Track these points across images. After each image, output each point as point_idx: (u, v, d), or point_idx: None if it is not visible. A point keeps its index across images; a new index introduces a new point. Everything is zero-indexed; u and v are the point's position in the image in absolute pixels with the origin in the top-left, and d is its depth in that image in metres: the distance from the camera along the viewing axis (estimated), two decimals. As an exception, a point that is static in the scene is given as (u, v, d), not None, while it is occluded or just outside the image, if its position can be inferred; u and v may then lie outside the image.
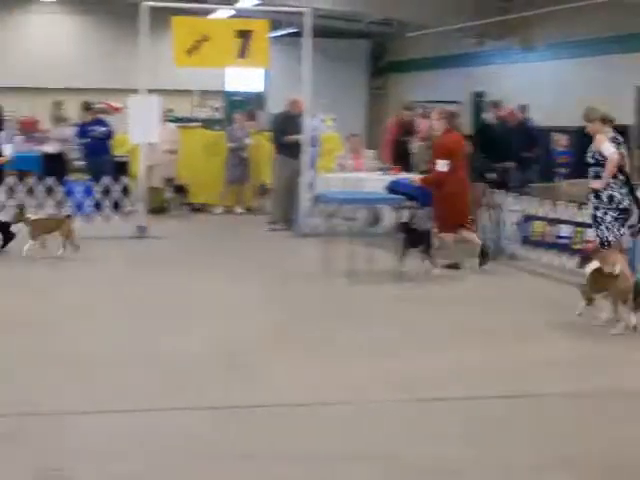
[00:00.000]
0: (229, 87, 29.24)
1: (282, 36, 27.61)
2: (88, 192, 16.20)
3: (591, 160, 10.59)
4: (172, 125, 19.53)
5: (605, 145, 10.41)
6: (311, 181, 16.50)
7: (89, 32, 34.15)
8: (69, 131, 18.47)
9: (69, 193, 16.45)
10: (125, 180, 16.25)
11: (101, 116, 18.38)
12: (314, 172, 16.76)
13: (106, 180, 15.93)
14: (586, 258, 10.08)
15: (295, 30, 26.44)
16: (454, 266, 12.95)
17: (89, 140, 17.76)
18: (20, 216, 13.49)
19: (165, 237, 15.05)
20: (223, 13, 26.36)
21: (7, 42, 33.46)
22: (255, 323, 9.65)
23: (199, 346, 8.59)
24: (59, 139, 18.40)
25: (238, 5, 25.88)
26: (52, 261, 13.01)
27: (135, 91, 16.20)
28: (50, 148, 18.48)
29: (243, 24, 16.42)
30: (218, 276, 12.19)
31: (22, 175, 17.82)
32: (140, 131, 15.43)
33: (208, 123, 22.12)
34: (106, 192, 15.90)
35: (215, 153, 19.57)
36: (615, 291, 9.48)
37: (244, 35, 15.97)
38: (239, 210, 19.32)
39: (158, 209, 18.18)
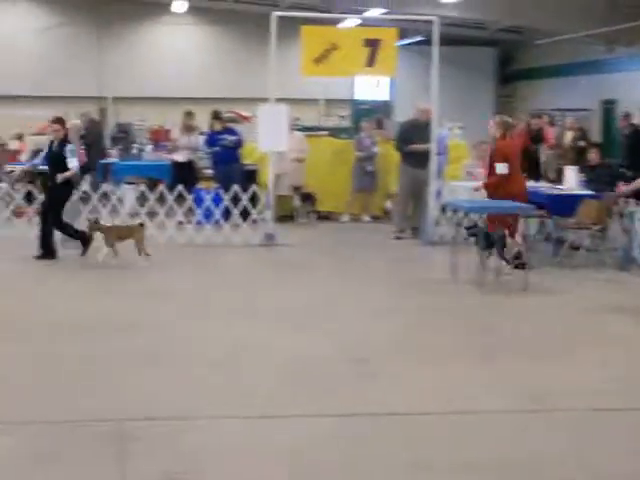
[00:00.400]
0: (357, 96, 29.28)
1: (408, 44, 27.55)
2: (217, 200, 16.40)
3: None
4: (300, 134, 19.63)
5: None
6: (439, 189, 16.40)
7: (219, 42, 34.63)
8: (198, 140, 18.76)
9: (198, 201, 16.70)
10: (254, 188, 16.41)
11: (231, 125, 18.61)
12: (442, 180, 16.66)
13: (235, 188, 16.10)
14: None
15: (421, 38, 26.39)
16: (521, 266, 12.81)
17: (219, 149, 18.01)
18: (94, 226, 13.73)
19: (293, 245, 15.13)
20: (351, 22, 26.43)
21: (139, 53, 34.17)
22: (383, 330, 9.62)
23: (329, 351, 8.59)
24: (189, 148, 18.68)
25: (366, 14, 25.93)
26: (182, 267, 13.21)
27: (264, 100, 16.34)
28: (180, 157, 18.76)
29: (372, 33, 16.42)
30: (345, 283, 12.22)
31: (153, 183, 18.20)
32: (269, 140, 15.55)
33: (335, 132, 22.18)
34: (235, 200, 16.07)
35: (342, 161, 19.60)
36: None
37: (372, 44, 15.97)
38: (366, 218, 19.30)
39: (286, 217, 18.33)
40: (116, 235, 13.58)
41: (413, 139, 16.68)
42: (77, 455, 5.90)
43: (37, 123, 24.19)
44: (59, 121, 14.53)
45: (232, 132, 18.37)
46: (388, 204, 19.03)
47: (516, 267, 12.85)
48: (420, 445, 6.21)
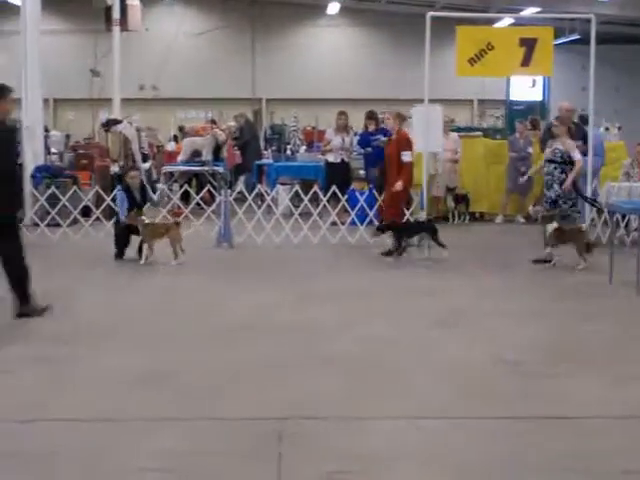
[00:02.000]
0: (512, 96, 28.96)
1: (564, 43, 27.11)
2: (371, 200, 16.45)
3: None
4: (454, 134, 19.54)
5: None
6: (594, 190, 16.08)
7: (372, 43, 34.76)
8: (352, 140, 18.85)
9: (352, 201, 16.79)
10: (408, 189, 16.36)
11: (384, 125, 18.63)
12: (597, 181, 16.34)
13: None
14: None
15: (577, 37, 25.93)
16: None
17: (371, 149, 18.06)
18: (134, 218, 13.74)
19: (445, 246, 15.04)
20: (505, 22, 26.18)
21: (292, 55, 34.55)
22: (537, 332, 9.49)
23: (480, 354, 8.53)
24: (342, 148, 18.79)
25: (522, 13, 25.63)
26: (334, 268, 13.31)
27: (418, 101, 16.30)
28: (333, 157, 18.88)
29: (527, 32, 16.20)
30: (494, 285, 12.16)
31: (306, 184, 18.39)
32: (423, 140, 15.52)
33: (490, 132, 22.00)
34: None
35: (496, 162, 19.45)
36: None
37: (528, 43, 15.76)
38: (520, 220, 19.08)
39: (439, 218, 18.29)
40: (152, 233, 13.64)
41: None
42: (236, 452, 5.99)
43: (194, 125, 24.73)
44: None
45: (385, 132, 18.39)
46: (530, 208, 18.82)
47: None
48: (583, 449, 6.09)
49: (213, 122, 24.36)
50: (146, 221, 13.73)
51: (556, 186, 13.73)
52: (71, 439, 6.20)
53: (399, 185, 14.30)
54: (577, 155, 13.82)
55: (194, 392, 7.26)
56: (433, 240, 14.08)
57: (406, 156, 14.48)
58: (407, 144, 14.72)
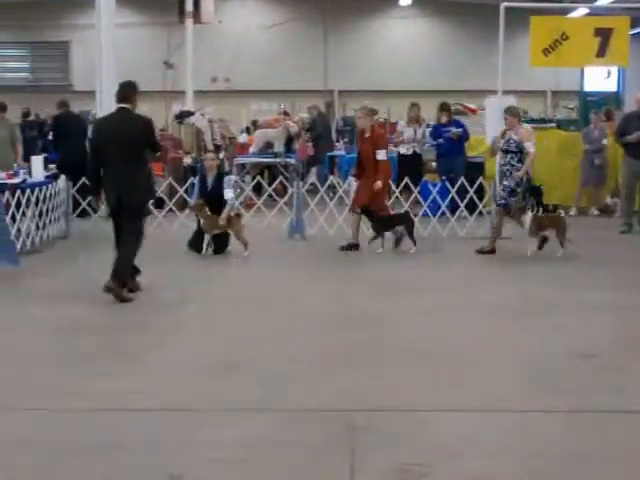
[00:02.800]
0: (586, 87, 28.58)
1: (638, 34, 26.70)
2: (443, 192, 16.39)
3: None
4: (527, 126, 19.32)
5: None
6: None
7: (445, 34, 34.63)
8: (424, 132, 18.77)
9: (424, 193, 16.73)
10: (480, 181, 16.30)
11: (457, 117, 18.55)
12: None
13: (461, 181, 16.04)
14: None
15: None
16: None
17: (443, 141, 17.98)
18: (199, 209, 13.74)
19: (517, 238, 14.91)
20: (580, 11, 25.87)
21: (364, 46, 34.53)
22: (613, 325, 9.39)
23: (558, 347, 8.46)
24: (414, 140, 18.71)
25: (597, 3, 25.30)
26: (408, 260, 13.29)
27: (491, 92, 16.20)
28: (405, 149, 18.81)
29: (603, 21, 16.04)
30: (567, 278, 12.07)
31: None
32: (496, 132, 15.39)
33: (563, 124, 21.77)
34: (461, 193, 16.00)
35: (570, 154, 19.24)
36: None
37: (603, 33, 15.59)
38: (594, 212, 18.86)
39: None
40: (211, 224, 13.62)
41: (632, 130, 16.26)
42: (307, 443, 6.01)
43: (267, 118, 24.79)
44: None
45: (458, 124, 18.32)
46: (608, 200, 18.59)
47: None
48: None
49: (286, 114, 24.41)
50: (207, 212, 13.75)
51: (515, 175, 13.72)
52: (141, 429, 6.27)
53: (378, 184, 13.97)
54: (531, 146, 13.77)
55: (266, 383, 7.29)
56: (407, 233, 13.88)
57: (381, 155, 14.13)
58: (382, 142, 14.44)
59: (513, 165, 13.72)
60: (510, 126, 13.78)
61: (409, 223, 13.98)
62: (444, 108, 18.45)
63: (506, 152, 13.88)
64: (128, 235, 10.40)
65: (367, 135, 14.22)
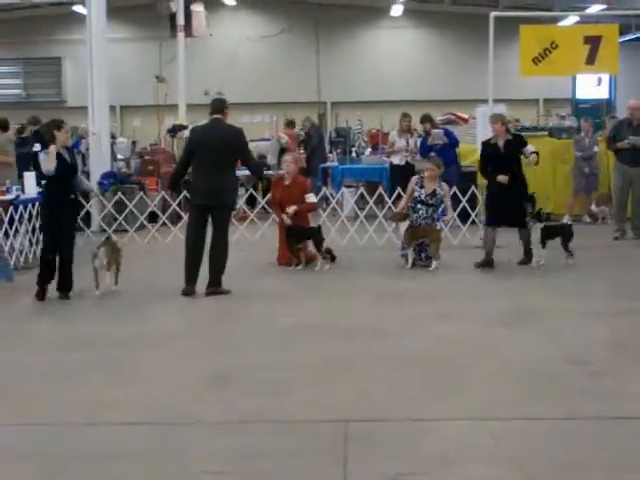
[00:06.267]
0: (578, 94, 28.66)
1: (628, 41, 26.82)
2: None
3: None
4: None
5: None
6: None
7: (435, 44, 34.71)
8: (416, 142, 18.81)
9: (417, 203, 16.73)
10: (473, 189, 16.33)
11: (445, 126, 18.60)
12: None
13: (453, 190, 16.05)
14: None
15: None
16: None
17: (434, 153, 18.00)
18: None
19: (510, 246, 14.94)
20: (569, 20, 25.96)
21: (356, 57, 34.58)
22: (606, 332, 9.42)
23: (550, 354, 8.47)
24: (406, 150, 18.76)
25: (588, 10, 25.38)
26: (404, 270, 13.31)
27: (482, 101, 16.26)
28: (397, 159, 18.86)
29: (592, 30, 16.12)
30: (561, 286, 12.10)
31: (371, 186, 18.41)
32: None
33: (556, 131, 21.81)
34: (454, 202, 15.99)
35: (562, 162, 19.30)
36: None
37: (593, 41, 15.67)
38: (587, 220, 18.91)
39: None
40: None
41: (623, 137, 16.33)
42: (301, 453, 6.02)
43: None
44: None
45: (446, 133, 18.34)
46: (593, 207, 18.63)
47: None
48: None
49: (291, 124, 24.09)
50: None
51: None
52: (133, 441, 6.28)
53: (292, 209, 13.75)
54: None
55: (258, 394, 7.30)
56: (315, 246, 13.56)
57: (311, 197, 14.18)
58: (308, 187, 14.56)
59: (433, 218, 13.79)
60: (497, 133, 13.59)
61: (318, 237, 13.61)
62: (424, 120, 18.47)
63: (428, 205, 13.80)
64: (217, 241, 11.46)
65: (287, 182, 14.06)
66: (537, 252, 13.41)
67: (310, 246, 13.52)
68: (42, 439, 6.35)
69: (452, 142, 18.13)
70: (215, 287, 11.42)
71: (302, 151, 22.93)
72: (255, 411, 6.87)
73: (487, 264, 13.40)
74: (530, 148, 13.61)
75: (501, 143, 13.50)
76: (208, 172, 11.43)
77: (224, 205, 11.55)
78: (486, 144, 13.80)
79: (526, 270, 13.23)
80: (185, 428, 6.57)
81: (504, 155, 13.46)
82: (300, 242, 13.55)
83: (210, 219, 11.58)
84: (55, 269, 11.21)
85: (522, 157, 13.65)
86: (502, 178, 13.27)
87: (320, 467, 5.79)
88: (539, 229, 13.32)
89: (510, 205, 13.29)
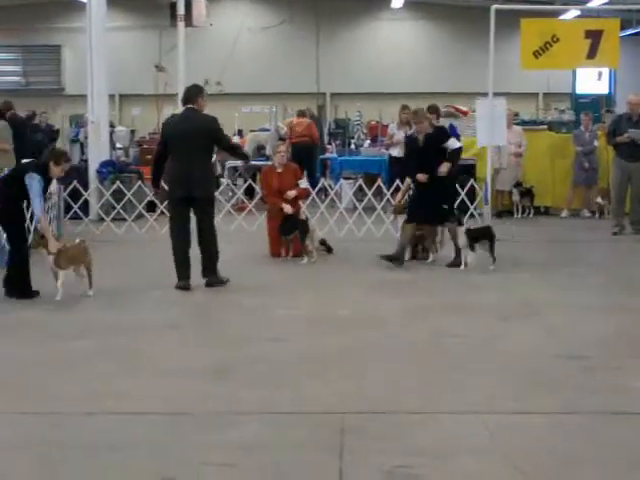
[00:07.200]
0: (578, 89, 28.64)
1: (631, 35, 26.79)
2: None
3: None
4: (518, 128, 19.40)
5: None
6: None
7: (436, 36, 34.69)
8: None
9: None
10: (472, 183, 16.31)
11: (446, 119, 18.56)
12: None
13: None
14: None
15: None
16: None
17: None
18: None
19: (509, 240, 14.94)
20: (570, 14, 25.93)
21: (356, 49, 34.53)
22: (603, 327, 9.40)
23: (548, 349, 8.47)
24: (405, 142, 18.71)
25: (589, 4, 25.34)
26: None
27: (482, 94, 16.23)
28: (396, 151, 18.83)
29: (593, 24, 16.09)
30: (561, 279, 12.06)
31: (370, 178, 18.38)
32: (487, 134, 15.45)
33: (556, 125, 21.80)
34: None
35: (562, 156, 19.29)
36: None
37: (594, 35, 15.63)
38: (586, 214, 18.90)
39: (504, 212, 18.23)
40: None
41: (622, 131, 16.31)
42: (297, 445, 6.00)
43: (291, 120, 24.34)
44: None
45: (450, 127, 18.28)
46: (599, 199, 18.61)
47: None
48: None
49: (302, 114, 23.93)
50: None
51: None
52: (134, 432, 6.27)
53: (292, 193, 13.78)
54: (455, 142, 13.19)
55: (257, 386, 7.30)
56: (300, 238, 13.46)
57: (303, 183, 14.26)
58: (300, 173, 14.46)
59: None
60: (419, 130, 13.00)
61: (303, 229, 13.50)
62: (432, 110, 18.34)
63: None
64: (204, 232, 11.33)
65: (279, 170, 14.03)
66: (468, 255, 12.80)
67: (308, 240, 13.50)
68: (42, 428, 6.34)
69: (454, 136, 18.03)
70: (212, 276, 11.33)
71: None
72: (254, 403, 6.86)
73: (396, 260, 12.76)
74: (453, 143, 12.95)
75: (421, 137, 12.96)
76: (184, 163, 11.23)
77: (205, 196, 11.38)
78: (410, 138, 13.51)
79: (524, 264, 13.21)
80: (185, 419, 6.56)
81: (423, 150, 12.86)
82: (291, 233, 13.53)
83: (193, 212, 11.43)
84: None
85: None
86: (421, 177, 12.73)
87: (316, 459, 5.78)
88: (463, 232, 12.66)
89: (430, 203, 12.70)
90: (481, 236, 12.80)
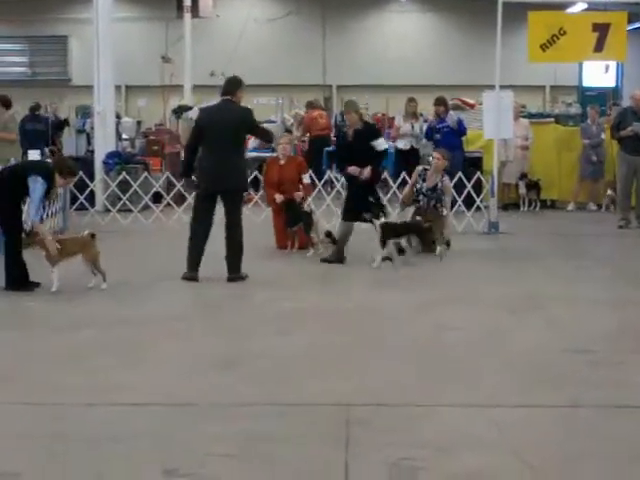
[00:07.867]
0: (585, 82, 28.58)
1: (636, 29, 26.71)
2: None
3: None
4: (525, 121, 19.36)
5: None
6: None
7: (443, 29, 34.63)
8: (421, 127, 18.74)
9: (422, 188, 16.69)
10: (478, 175, 16.29)
11: (453, 112, 18.53)
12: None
13: (459, 175, 16.00)
14: None
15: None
16: None
17: (440, 136, 17.93)
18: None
19: (516, 233, 14.93)
20: (578, 7, 25.85)
21: (363, 41, 34.48)
22: (609, 321, 9.40)
23: (553, 342, 8.46)
24: (411, 135, 18.69)
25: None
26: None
27: (489, 87, 16.19)
28: (402, 144, 18.80)
29: (600, 17, 16.05)
30: (565, 273, 12.05)
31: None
32: (494, 127, 15.42)
33: (563, 119, 21.76)
34: (459, 188, 15.95)
35: (568, 149, 19.26)
36: None
37: (601, 28, 15.60)
38: (592, 207, 18.88)
39: (510, 205, 18.21)
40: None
41: (627, 125, 16.29)
42: (302, 438, 6.00)
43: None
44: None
45: (458, 122, 18.25)
46: (609, 191, 18.58)
47: None
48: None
49: (313, 106, 23.80)
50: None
51: None
52: (137, 423, 6.27)
53: (298, 195, 13.81)
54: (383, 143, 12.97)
55: (262, 378, 7.30)
56: (304, 230, 13.52)
57: (307, 178, 14.24)
58: (305, 167, 14.44)
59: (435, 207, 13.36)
60: (350, 123, 12.85)
61: (307, 222, 13.55)
62: (440, 102, 18.31)
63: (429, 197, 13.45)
64: (233, 226, 11.24)
65: (282, 162, 14.08)
66: (377, 251, 12.33)
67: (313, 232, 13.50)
68: (45, 420, 6.34)
69: (461, 130, 18.00)
70: (236, 273, 11.22)
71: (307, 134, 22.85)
72: (259, 395, 6.86)
73: (337, 260, 12.54)
74: (380, 143, 12.70)
75: (350, 132, 12.77)
76: (218, 155, 11.20)
77: (236, 189, 11.39)
78: (339, 132, 13.56)
79: (530, 257, 13.19)
80: (190, 410, 6.56)
81: (351, 145, 12.69)
82: (295, 225, 13.53)
83: (223, 204, 11.36)
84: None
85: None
86: (352, 170, 12.52)
87: (321, 451, 5.77)
88: (378, 226, 12.23)
89: (359, 199, 12.54)
90: (405, 231, 12.48)
